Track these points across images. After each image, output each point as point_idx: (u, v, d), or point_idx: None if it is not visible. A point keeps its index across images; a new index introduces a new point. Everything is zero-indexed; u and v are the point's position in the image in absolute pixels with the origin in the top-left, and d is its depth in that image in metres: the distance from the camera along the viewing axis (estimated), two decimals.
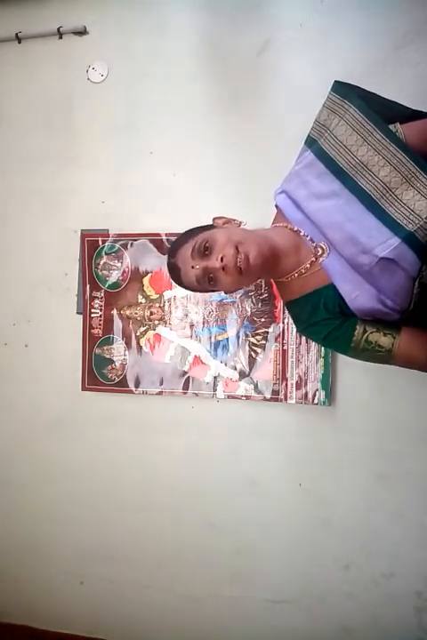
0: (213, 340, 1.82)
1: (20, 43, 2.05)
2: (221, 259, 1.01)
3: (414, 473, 1.70)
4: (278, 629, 1.84)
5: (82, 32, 1.98)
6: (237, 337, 1.80)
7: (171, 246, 1.15)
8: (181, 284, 1.13)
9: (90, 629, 2.02)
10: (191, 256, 1.05)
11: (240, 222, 1.13)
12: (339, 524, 1.76)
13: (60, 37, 2.00)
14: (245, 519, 1.84)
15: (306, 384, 1.72)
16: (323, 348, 1.69)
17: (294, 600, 1.82)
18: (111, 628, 2.01)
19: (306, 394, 1.72)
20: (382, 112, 1.01)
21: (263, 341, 1.77)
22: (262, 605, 1.84)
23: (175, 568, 1.92)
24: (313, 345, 1.72)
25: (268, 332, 1.77)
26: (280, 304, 1.74)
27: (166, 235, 1.83)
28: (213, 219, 1.14)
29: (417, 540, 1.71)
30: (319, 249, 1.06)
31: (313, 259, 1.07)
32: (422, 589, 1.72)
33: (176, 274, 1.11)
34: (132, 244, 1.88)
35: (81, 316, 1.93)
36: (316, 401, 1.71)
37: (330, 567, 1.78)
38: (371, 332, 1.04)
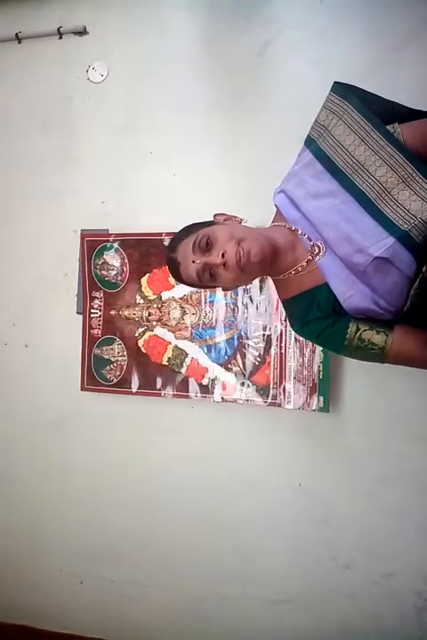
0: (210, 342, 1.81)
1: (20, 43, 2.05)
2: (223, 255, 1.01)
3: (413, 473, 1.70)
4: (278, 629, 1.84)
5: (82, 32, 1.99)
6: (235, 339, 1.78)
7: (171, 241, 1.14)
8: (180, 278, 1.12)
9: (90, 629, 2.03)
10: (192, 251, 1.05)
11: (241, 219, 1.13)
12: (339, 523, 1.76)
13: (60, 37, 2.00)
14: (244, 519, 1.84)
15: (304, 388, 1.69)
16: (322, 352, 1.67)
17: (294, 600, 1.82)
18: (111, 628, 2.01)
19: (304, 399, 1.69)
20: (382, 113, 1.01)
21: (261, 344, 1.75)
22: (262, 605, 1.85)
23: (175, 568, 1.92)
24: (312, 348, 1.69)
25: (266, 335, 1.75)
26: (279, 306, 1.71)
27: (166, 234, 1.82)
28: (214, 215, 1.14)
29: (417, 539, 1.71)
30: (316, 248, 1.06)
31: (310, 257, 1.07)
32: (423, 589, 1.72)
33: (176, 268, 1.10)
34: (131, 243, 1.88)
35: (81, 316, 1.93)
36: (314, 406, 1.68)
37: (330, 567, 1.78)
38: (364, 330, 1.03)
